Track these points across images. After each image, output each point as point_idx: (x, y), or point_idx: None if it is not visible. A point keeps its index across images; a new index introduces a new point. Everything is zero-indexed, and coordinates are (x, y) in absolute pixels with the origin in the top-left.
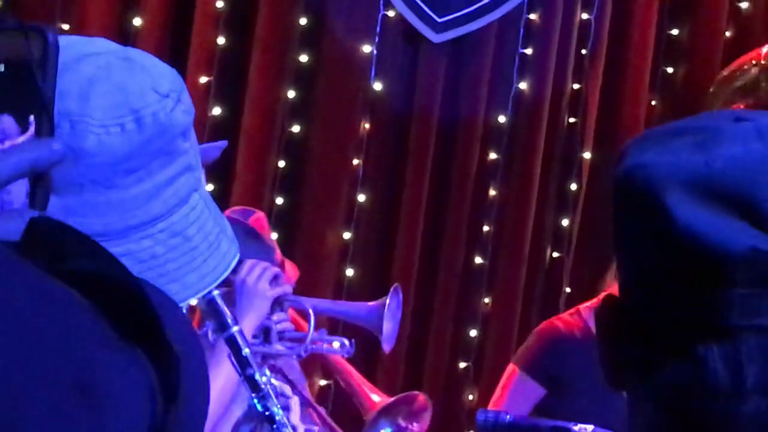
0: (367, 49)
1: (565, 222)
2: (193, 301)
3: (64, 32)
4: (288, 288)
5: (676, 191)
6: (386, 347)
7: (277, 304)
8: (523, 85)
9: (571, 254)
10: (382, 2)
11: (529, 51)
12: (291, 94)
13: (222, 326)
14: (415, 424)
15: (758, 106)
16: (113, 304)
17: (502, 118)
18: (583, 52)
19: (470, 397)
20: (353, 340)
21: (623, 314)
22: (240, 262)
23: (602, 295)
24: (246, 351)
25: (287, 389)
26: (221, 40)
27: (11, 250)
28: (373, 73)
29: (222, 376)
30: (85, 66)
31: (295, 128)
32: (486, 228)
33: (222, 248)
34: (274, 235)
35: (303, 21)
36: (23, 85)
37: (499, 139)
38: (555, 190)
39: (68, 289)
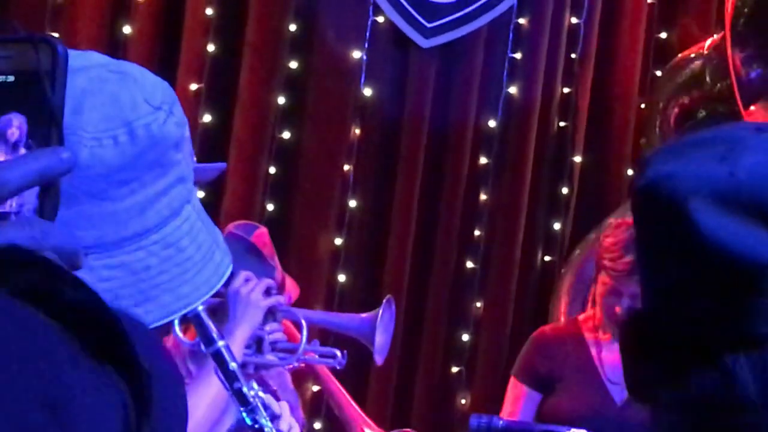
0: (356, 54)
1: (556, 226)
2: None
3: None
4: (281, 298)
5: (701, 202)
6: (378, 359)
7: (270, 314)
8: (512, 90)
9: (563, 258)
10: (371, 8)
11: (518, 55)
12: (281, 100)
13: (208, 341)
14: None
15: (703, 98)
16: (80, 324)
17: (492, 123)
18: (573, 56)
19: (463, 401)
20: (345, 352)
21: (648, 325)
22: (233, 274)
23: (589, 307)
24: (233, 365)
25: (273, 402)
26: (211, 47)
27: None
28: (363, 79)
29: (215, 385)
30: (78, 79)
31: (286, 134)
32: (477, 232)
33: (215, 259)
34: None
35: (293, 27)
36: (32, 96)
37: (489, 143)
38: (546, 194)
39: (34, 310)
